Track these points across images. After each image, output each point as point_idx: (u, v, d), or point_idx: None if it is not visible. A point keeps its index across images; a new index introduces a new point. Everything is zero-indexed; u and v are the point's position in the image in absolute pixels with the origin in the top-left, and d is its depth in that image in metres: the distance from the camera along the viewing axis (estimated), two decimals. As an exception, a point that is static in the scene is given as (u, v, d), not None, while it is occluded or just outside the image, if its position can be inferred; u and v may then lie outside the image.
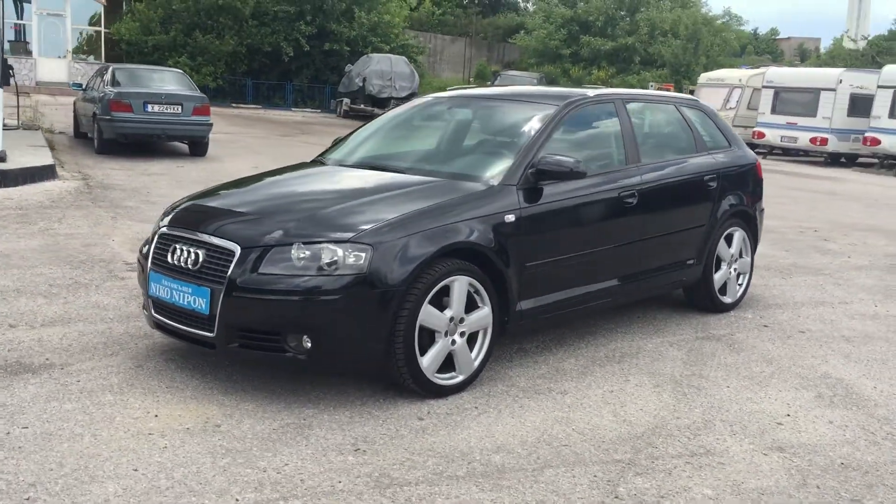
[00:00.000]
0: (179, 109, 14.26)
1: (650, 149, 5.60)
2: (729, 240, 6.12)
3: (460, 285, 4.22)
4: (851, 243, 9.83)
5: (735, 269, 6.22)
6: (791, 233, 10.35)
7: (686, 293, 6.12)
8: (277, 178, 5.19)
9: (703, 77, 29.02)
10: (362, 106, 29.19)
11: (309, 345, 3.93)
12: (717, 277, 6.04)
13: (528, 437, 3.86)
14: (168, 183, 11.48)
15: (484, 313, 4.36)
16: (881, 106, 21.83)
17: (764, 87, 24.73)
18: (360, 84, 29.11)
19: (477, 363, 4.39)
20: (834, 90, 22.91)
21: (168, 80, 15.54)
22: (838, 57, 40.95)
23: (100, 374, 4.37)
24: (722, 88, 26.62)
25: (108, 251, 7.17)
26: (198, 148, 14.89)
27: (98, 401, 4.02)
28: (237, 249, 4.02)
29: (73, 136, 16.37)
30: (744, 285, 6.37)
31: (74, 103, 16.81)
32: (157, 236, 4.47)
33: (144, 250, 4.69)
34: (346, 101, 30.12)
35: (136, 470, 3.35)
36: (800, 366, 5.09)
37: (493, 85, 30.04)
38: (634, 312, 5.98)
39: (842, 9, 65.44)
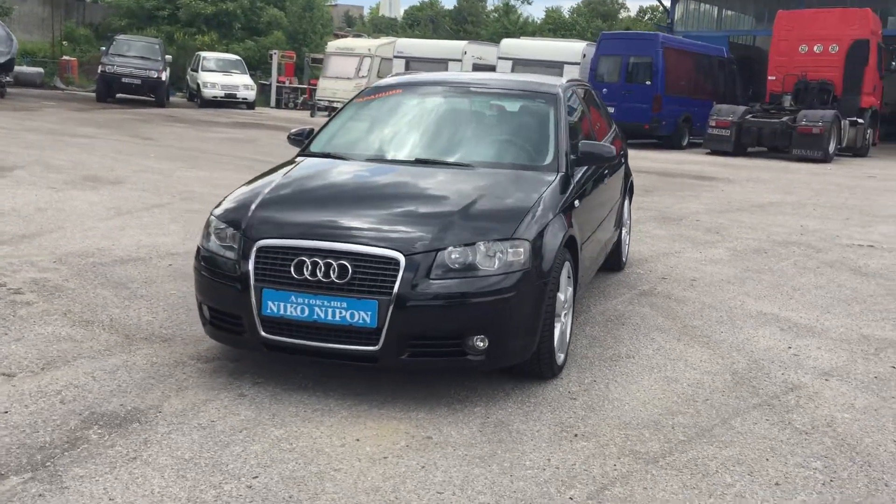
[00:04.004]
0: None
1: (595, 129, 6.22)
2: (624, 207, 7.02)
3: (566, 270, 4.52)
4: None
5: (626, 232, 7.14)
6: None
7: (600, 256, 6.89)
8: (341, 178, 4.81)
9: (332, 45, 29.89)
10: (-51, 75, 25.20)
11: (482, 344, 3.97)
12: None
13: (672, 397, 4.34)
14: None
15: (571, 293, 4.70)
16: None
17: (395, 56, 26.30)
18: (-53, 50, 25.02)
19: (567, 339, 4.72)
20: (460, 60, 25.22)
21: None
22: (381, 24, 44.28)
23: (216, 410, 3.91)
24: (352, 57, 27.71)
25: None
26: None
27: (272, 437, 3.66)
28: (401, 258, 3.89)
29: None
30: (628, 245, 7.33)
31: None
32: (256, 250, 4.05)
33: (202, 264, 4.25)
34: (-74, 70, 25.70)
35: (440, 493, 3.25)
36: (734, 307, 6.14)
37: (108, 51, 27.69)
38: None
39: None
